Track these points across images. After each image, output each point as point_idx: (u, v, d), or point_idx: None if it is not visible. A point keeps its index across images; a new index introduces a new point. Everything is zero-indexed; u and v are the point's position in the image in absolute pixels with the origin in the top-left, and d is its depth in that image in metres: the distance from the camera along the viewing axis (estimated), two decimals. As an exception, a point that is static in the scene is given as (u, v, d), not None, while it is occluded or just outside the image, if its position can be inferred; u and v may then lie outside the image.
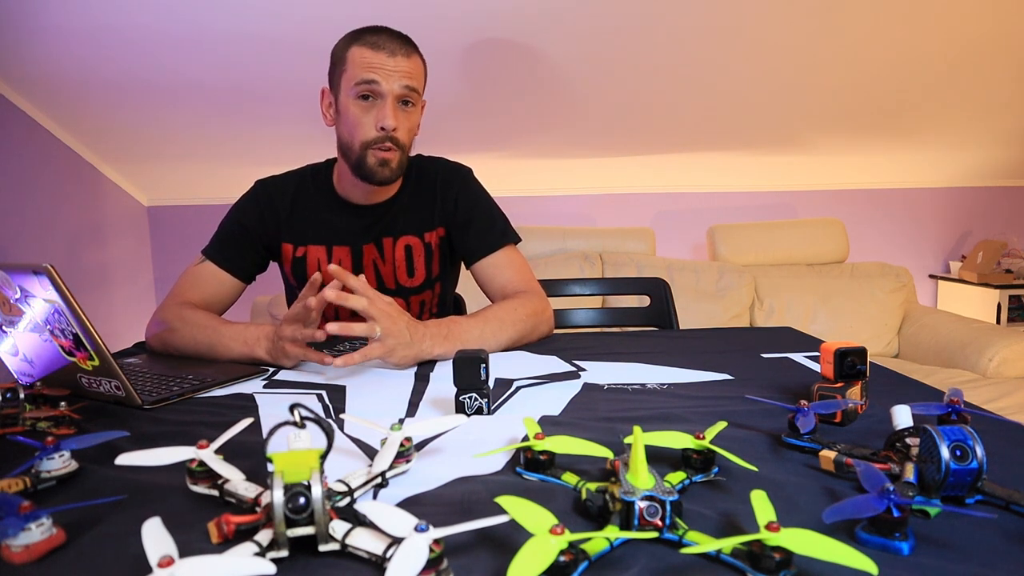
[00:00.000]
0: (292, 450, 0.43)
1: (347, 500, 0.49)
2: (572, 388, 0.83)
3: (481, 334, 1.01)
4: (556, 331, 1.19)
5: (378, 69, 1.04)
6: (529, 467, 0.55)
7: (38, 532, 0.43)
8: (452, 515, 0.48)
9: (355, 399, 0.80)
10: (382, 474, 0.53)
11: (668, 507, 0.43)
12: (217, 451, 0.53)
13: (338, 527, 0.43)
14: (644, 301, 1.56)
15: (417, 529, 0.38)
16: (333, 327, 0.88)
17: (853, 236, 3.14)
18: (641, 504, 0.43)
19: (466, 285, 1.35)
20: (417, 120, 1.12)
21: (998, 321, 2.90)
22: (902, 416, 0.56)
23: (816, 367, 0.91)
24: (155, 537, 0.39)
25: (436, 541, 0.38)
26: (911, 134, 2.87)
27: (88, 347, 0.73)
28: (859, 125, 2.76)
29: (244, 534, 0.43)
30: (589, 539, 0.42)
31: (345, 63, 1.07)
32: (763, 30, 2.13)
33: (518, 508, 0.42)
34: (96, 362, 0.75)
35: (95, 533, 0.46)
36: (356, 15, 1.88)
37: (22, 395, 0.69)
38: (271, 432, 0.45)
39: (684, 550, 0.41)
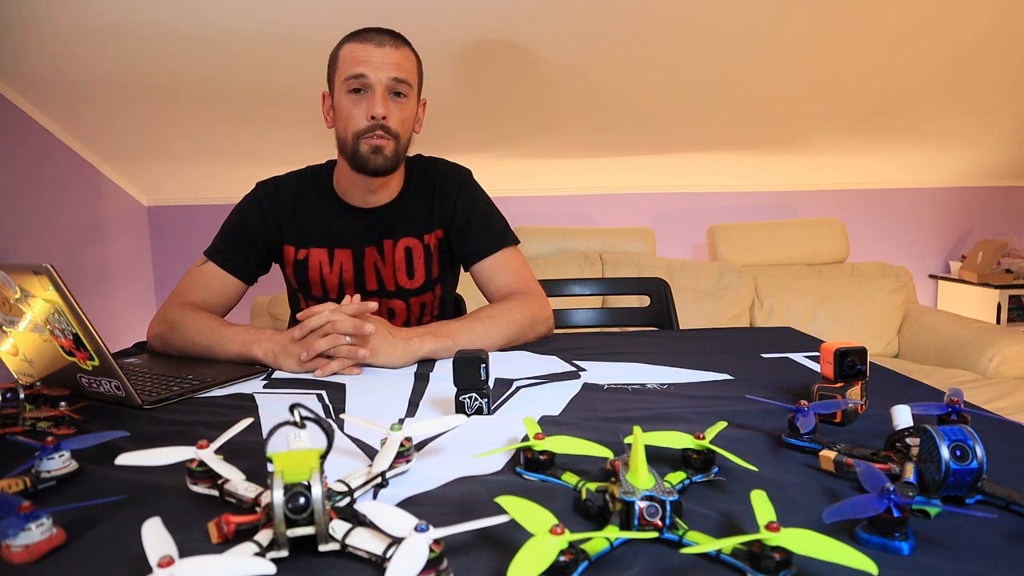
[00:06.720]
0: (292, 450, 0.43)
1: (347, 500, 0.49)
2: (572, 388, 0.83)
3: (472, 331, 1.01)
4: (556, 331, 1.19)
5: (366, 61, 1.06)
6: (529, 467, 0.55)
7: (38, 532, 0.43)
8: (452, 515, 0.48)
9: (355, 399, 0.80)
10: (382, 474, 0.53)
11: (668, 507, 0.43)
12: (217, 451, 0.53)
13: (338, 527, 0.43)
14: (644, 301, 1.56)
15: (417, 529, 0.38)
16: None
17: (853, 236, 3.13)
18: (641, 504, 0.43)
19: (466, 286, 1.35)
20: (411, 112, 1.12)
21: (998, 321, 2.89)
22: (902, 416, 0.56)
23: (816, 367, 0.91)
24: (155, 537, 0.39)
25: (436, 541, 0.38)
26: (910, 134, 2.86)
27: (88, 347, 0.73)
28: (859, 125, 2.76)
29: (244, 534, 0.43)
30: (589, 539, 0.42)
31: (338, 61, 1.10)
32: (763, 30, 2.13)
33: (518, 508, 0.42)
34: (96, 362, 0.74)
35: (95, 533, 0.46)
36: (357, 15, 1.89)
37: (22, 395, 0.69)
38: (271, 432, 0.45)
39: (684, 550, 0.41)
